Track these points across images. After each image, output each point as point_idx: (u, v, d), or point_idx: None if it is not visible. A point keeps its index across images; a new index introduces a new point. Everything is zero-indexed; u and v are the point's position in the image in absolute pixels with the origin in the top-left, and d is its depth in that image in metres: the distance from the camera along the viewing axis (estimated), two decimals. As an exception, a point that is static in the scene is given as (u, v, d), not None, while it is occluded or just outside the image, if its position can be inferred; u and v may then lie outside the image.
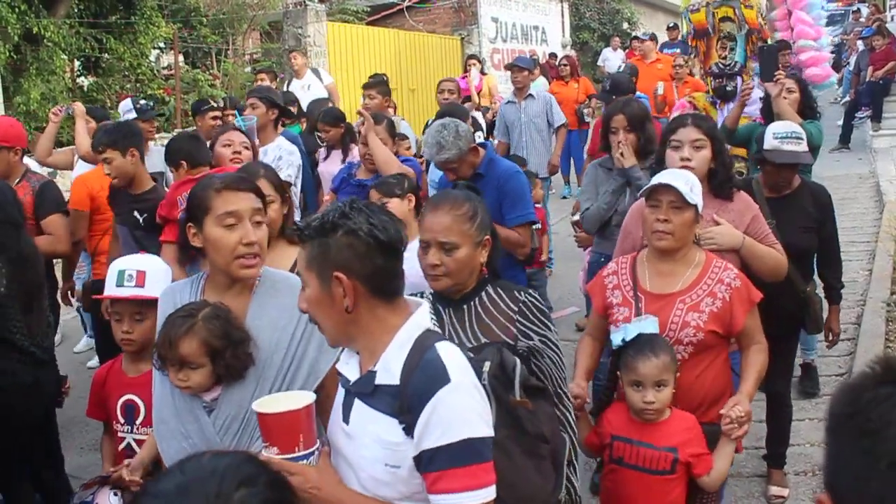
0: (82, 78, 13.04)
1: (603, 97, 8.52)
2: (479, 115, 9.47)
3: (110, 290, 3.18)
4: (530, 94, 8.70)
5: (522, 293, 2.70)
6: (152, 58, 13.91)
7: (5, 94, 9.94)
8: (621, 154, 4.47)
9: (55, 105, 10.06)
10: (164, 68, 14.87)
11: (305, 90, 9.95)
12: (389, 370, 1.95)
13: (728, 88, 6.31)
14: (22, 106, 10.09)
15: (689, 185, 3.06)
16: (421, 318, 2.01)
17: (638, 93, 8.79)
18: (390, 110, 7.81)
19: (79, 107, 6.61)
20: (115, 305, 3.20)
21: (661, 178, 3.12)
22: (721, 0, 7.45)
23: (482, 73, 12.98)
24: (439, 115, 6.03)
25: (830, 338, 4.52)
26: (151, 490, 1.16)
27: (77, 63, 12.70)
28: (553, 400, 2.56)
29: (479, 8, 17.85)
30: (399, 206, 4.22)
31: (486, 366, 2.32)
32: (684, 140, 3.64)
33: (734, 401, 2.95)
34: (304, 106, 8.42)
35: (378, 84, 7.22)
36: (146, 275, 3.16)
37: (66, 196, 5.26)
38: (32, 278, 3.56)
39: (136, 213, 4.62)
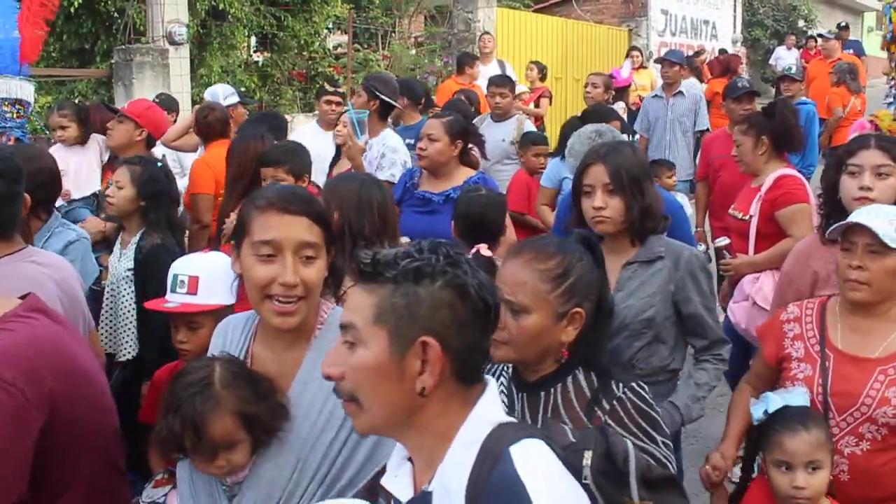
0: (257, 54, 13.45)
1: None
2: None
3: (167, 295, 2.88)
4: (680, 91, 8.25)
5: (623, 386, 2.05)
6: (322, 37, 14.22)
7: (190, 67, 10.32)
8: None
9: (234, 78, 10.44)
10: (331, 48, 15.18)
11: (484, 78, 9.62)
12: (450, 491, 1.41)
13: None
14: (204, 78, 10.47)
15: (893, 223, 2.49)
16: (489, 406, 1.48)
17: (804, 98, 8.21)
18: (518, 103, 7.62)
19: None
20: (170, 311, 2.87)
21: (856, 216, 2.56)
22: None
23: (641, 66, 12.47)
24: (583, 116, 5.63)
25: None
26: None
27: (253, 39, 13.11)
28: (684, 491, 1.91)
29: (650, -1, 17.35)
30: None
31: (587, 457, 1.67)
32: (865, 165, 3.03)
33: None
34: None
35: (507, 83, 6.99)
36: (200, 281, 2.81)
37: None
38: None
39: None
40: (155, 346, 3.42)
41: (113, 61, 9.57)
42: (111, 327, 3.68)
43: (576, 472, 1.52)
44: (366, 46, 14.39)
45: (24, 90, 5.64)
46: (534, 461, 1.40)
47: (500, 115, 6.77)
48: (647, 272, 2.91)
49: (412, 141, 6.00)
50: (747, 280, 4.19)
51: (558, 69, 14.69)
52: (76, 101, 7.48)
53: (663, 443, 2.04)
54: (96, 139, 5.22)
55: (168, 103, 6.57)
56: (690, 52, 16.70)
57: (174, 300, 2.82)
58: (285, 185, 2.55)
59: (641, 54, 12.98)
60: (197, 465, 1.93)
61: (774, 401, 2.51)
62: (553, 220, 5.25)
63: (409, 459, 1.53)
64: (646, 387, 2.10)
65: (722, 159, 5.70)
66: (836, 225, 2.66)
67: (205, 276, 2.83)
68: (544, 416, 2.06)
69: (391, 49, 14.27)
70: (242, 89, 8.91)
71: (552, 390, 2.07)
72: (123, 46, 9.49)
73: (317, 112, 7.15)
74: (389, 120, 5.84)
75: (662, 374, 2.99)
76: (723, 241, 4.37)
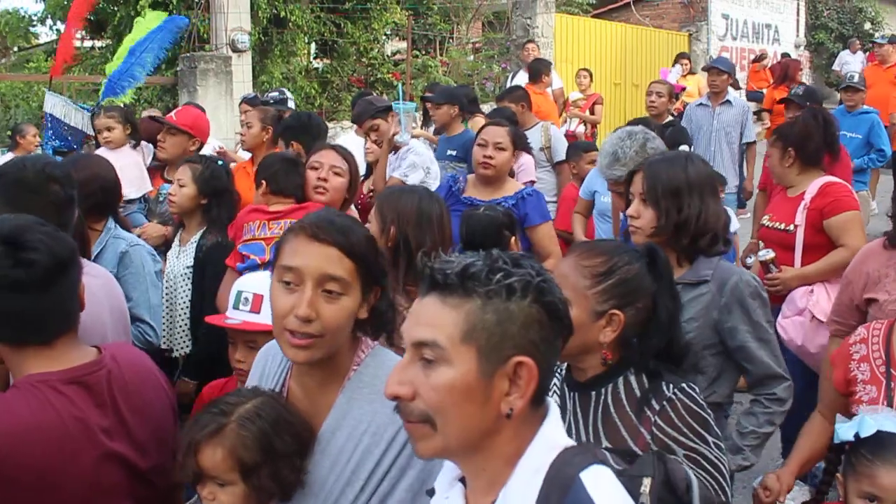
0: (317, 60, 13.60)
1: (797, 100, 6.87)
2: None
3: (229, 311, 2.79)
4: (727, 100, 7.88)
5: (673, 387, 2.02)
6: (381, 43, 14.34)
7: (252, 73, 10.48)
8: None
9: (295, 85, 10.57)
10: (389, 55, 15.30)
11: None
12: None
13: None
14: (266, 84, 10.63)
15: None
16: (553, 429, 1.40)
17: (865, 107, 7.97)
18: (575, 110, 7.40)
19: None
20: (230, 329, 2.78)
21: None
22: None
23: (689, 72, 12.14)
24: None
25: None
26: None
27: (313, 46, 13.27)
28: None
29: (710, 3, 17.11)
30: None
31: (646, 485, 1.57)
32: None
33: None
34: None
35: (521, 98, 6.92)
36: (264, 300, 2.64)
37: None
38: None
39: None
40: (212, 344, 3.33)
41: (178, 69, 9.77)
42: (168, 324, 3.72)
43: (633, 497, 1.44)
44: (424, 53, 14.47)
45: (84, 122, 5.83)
46: (606, 489, 1.35)
47: (522, 125, 6.72)
48: (689, 295, 2.66)
49: (455, 152, 6.07)
50: (799, 294, 3.94)
51: (617, 75, 14.60)
52: (140, 108, 7.66)
53: (714, 443, 2.01)
54: (143, 145, 5.20)
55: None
56: (752, 57, 16.51)
57: (236, 317, 2.73)
58: (328, 211, 2.35)
59: (690, 61, 12.61)
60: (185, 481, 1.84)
61: (868, 424, 2.23)
62: (581, 231, 5.24)
63: (461, 480, 1.45)
64: (696, 387, 2.08)
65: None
66: None
67: (269, 295, 2.75)
68: (595, 415, 2.06)
69: (449, 55, 14.32)
70: (303, 95, 8.99)
71: (602, 390, 2.07)
72: (188, 54, 9.69)
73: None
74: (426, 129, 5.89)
75: None
76: (767, 253, 4.07)
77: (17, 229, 1.83)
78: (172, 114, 5.02)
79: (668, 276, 2.15)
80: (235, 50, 9.85)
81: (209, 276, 3.64)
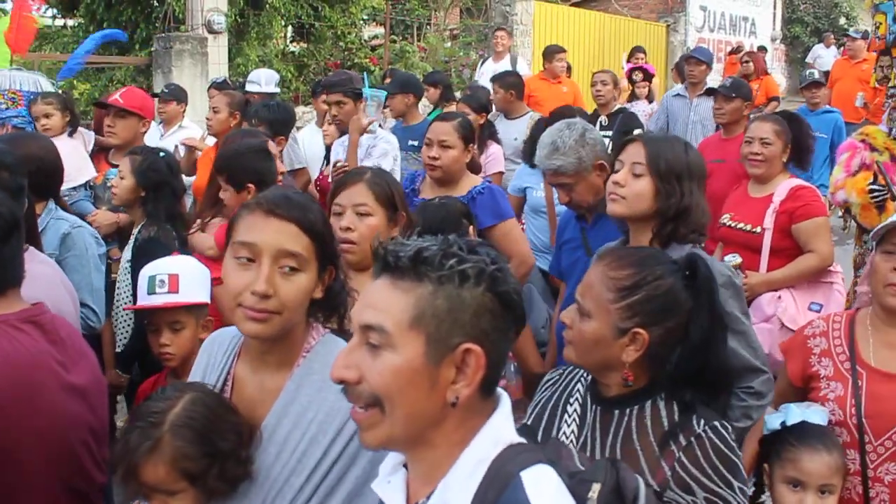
0: (294, 44, 13.47)
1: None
2: (639, 111, 8.44)
3: (142, 299, 2.80)
4: (706, 91, 7.59)
5: (704, 423, 1.86)
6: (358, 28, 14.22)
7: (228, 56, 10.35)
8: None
9: (271, 68, 10.44)
10: (366, 39, 15.19)
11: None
12: None
13: None
14: (241, 67, 10.50)
15: None
16: (502, 423, 1.36)
17: (827, 107, 7.96)
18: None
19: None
20: (150, 316, 2.79)
21: None
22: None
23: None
24: (552, 116, 5.06)
25: None
26: None
27: (290, 29, 13.14)
28: None
29: (689, -6, 17.17)
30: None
31: (594, 490, 1.48)
32: None
33: None
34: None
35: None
36: (180, 278, 2.77)
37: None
38: None
39: None
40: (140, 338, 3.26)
41: (152, 49, 9.63)
42: (114, 318, 3.61)
43: (579, 502, 1.39)
44: (401, 38, 14.37)
45: (26, 80, 5.61)
46: (546, 490, 1.29)
47: (509, 113, 6.63)
48: None
49: (416, 142, 5.74)
50: (766, 300, 3.80)
51: (595, 64, 14.58)
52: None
53: (740, 489, 1.85)
54: (82, 131, 4.98)
55: (178, 94, 6.39)
56: (729, 49, 16.58)
57: (156, 301, 2.73)
58: (285, 188, 2.31)
59: (645, 55, 12.14)
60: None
61: (795, 413, 2.32)
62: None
63: (405, 465, 1.42)
64: (729, 427, 1.91)
65: (712, 165, 5.36)
66: (880, 226, 2.43)
67: (184, 273, 2.78)
68: (615, 435, 1.92)
69: (427, 41, 14.23)
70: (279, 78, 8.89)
71: (627, 411, 1.93)
72: (163, 34, 9.54)
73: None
74: (385, 118, 5.69)
75: None
76: (734, 258, 3.86)
77: None
78: (117, 96, 4.75)
79: (709, 292, 1.94)
80: (211, 31, 9.71)
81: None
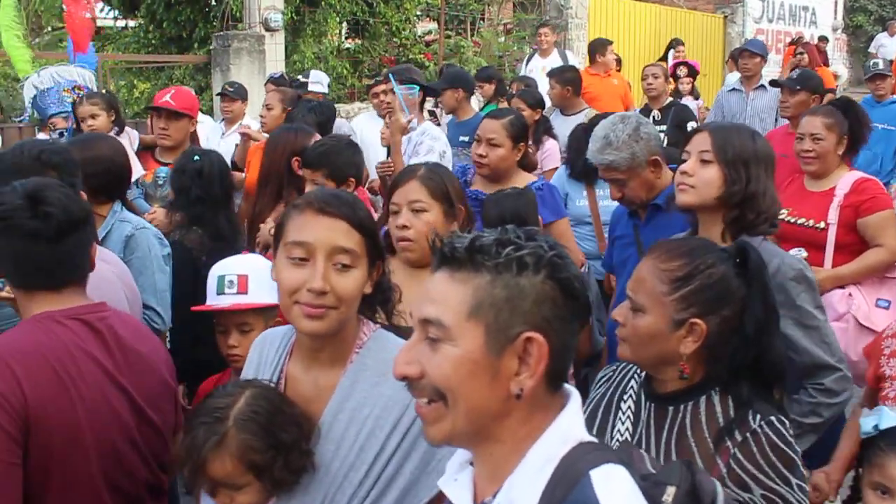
0: (348, 40, 13.56)
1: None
2: (692, 105, 8.24)
3: (210, 299, 2.77)
4: (762, 85, 7.43)
5: (760, 417, 1.83)
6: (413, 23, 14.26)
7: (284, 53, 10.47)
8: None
9: (327, 65, 10.53)
10: (420, 35, 15.22)
11: (542, 72, 8.76)
12: None
13: None
14: (298, 64, 10.62)
15: None
16: (571, 420, 1.32)
17: (894, 97, 7.70)
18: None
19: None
20: (219, 316, 2.76)
21: None
22: None
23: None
24: (590, 123, 4.90)
25: None
26: None
27: (344, 26, 13.23)
28: None
29: (746, -15, 16.85)
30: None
31: (669, 493, 1.44)
32: None
33: None
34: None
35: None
36: (249, 279, 2.71)
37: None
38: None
39: None
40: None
41: (211, 47, 9.78)
42: None
43: None
44: (455, 33, 14.36)
45: (84, 77, 5.73)
46: (616, 490, 1.25)
47: (565, 109, 6.57)
48: None
49: (466, 138, 5.75)
50: (837, 297, 3.66)
51: (650, 57, 14.40)
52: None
53: (798, 485, 1.82)
54: (127, 130, 5.04)
55: (242, 92, 6.49)
56: (788, 40, 16.24)
57: (224, 302, 2.70)
58: (329, 188, 2.38)
59: (684, 47, 11.87)
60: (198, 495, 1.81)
61: (888, 417, 2.20)
62: None
63: (472, 463, 1.39)
64: (786, 422, 1.88)
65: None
66: None
67: (254, 274, 2.72)
68: (669, 432, 1.90)
69: (480, 36, 14.21)
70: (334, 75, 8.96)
71: (682, 407, 1.91)
72: (221, 33, 9.69)
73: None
74: (442, 113, 5.68)
75: None
76: (800, 252, 3.70)
77: (39, 186, 2.04)
78: (168, 98, 4.73)
79: (761, 280, 1.93)
80: (268, 29, 9.83)
81: None
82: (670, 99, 7.30)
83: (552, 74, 6.86)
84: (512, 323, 1.26)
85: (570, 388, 1.36)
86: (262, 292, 2.64)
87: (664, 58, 10.72)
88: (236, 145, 5.50)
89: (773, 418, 1.84)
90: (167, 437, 2.17)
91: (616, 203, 3.51)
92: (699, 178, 2.55)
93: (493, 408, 1.28)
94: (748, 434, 1.81)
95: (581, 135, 4.48)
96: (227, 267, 2.78)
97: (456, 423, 1.29)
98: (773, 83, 6.58)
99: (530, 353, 1.26)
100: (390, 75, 5.29)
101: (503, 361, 1.27)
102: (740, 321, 1.89)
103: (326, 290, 1.69)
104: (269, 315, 2.77)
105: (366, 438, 1.73)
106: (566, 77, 6.68)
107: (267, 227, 3.57)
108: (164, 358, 2.24)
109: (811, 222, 3.83)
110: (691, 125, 6.38)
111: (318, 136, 3.72)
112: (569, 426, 1.31)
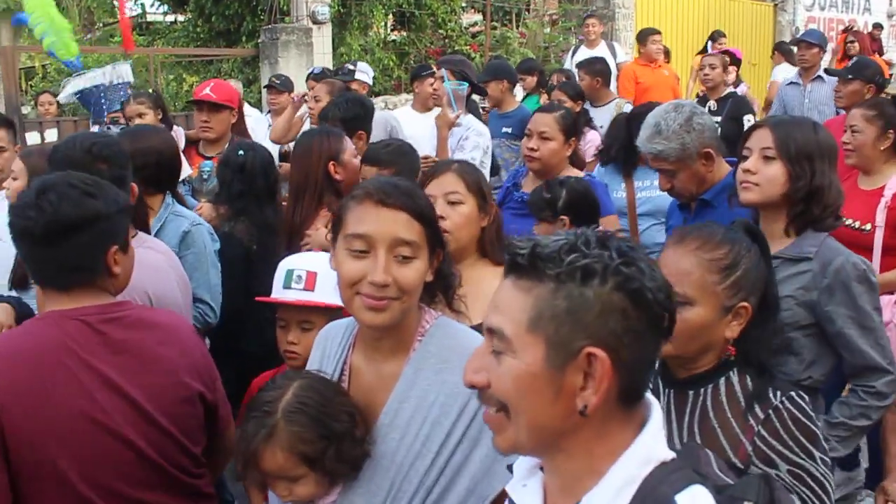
0: (394, 32, 13.59)
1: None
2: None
3: (276, 291, 2.70)
4: (819, 76, 7.32)
5: (780, 394, 1.86)
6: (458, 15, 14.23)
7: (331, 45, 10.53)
8: None
9: (373, 57, 10.57)
10: (466, 26, 15.20)
11: None
12: None
13: None
14: (344, 57, 10.66)
15: None
16: (653, 439, 1.25)
17: None
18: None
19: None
20: (281, 311, 2.70)
21: None
22: None
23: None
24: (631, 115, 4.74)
25: None
26: None
27: (390, 18, 13.25)
28: None
29: (798, -28, 16.51)
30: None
31: None
32: None
33: None
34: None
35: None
36: (317, 277, 2.63)
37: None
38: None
39: None
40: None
41: (259, 41, 9.86)
42: None
43: None
44: (501, 24, 14.31)
45: (125, 72, 5.83)
46: None
47: (595, 101, 6.54)
48: (788, 271, 2.46)
49: (510, 129, 5.80)
50: (884, 302, 3.40)
51: (699, 48, 14.21)
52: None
53: (821, 459, 1.84)
54: (175, 129, 4.99)
55: (289, 85, 6.50)
56: (841, 28, 15.89)
57: (289, 297, 2.64)
58: (387, 177, 2.29)
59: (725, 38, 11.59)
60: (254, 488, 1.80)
61: None
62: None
63: (542, 468, 1.34)
64: (806, 396, 1.89)
65: None
66: None
67: (323, 272, 2.61)
68: (692, 415, 1.91)
69: (526, 27, 14.13)
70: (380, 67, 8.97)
71: (702, 390, 1.93)
72: (270, 26, 9.77)
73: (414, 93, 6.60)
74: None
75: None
76: None
77: (46, 185, 2.00)
78: (208, 91, 4.72)
79: (769, 254, 2.04)
80: (315, 22, 9.90)
81: None
82: (729, 89, 7.16)
83: (581, 66, 6.85)
84: (574, 337, 1.18)
85: (650, 400, 1.29)
86: (329, 292, 2.54)
87: (703, 50, 10.52)
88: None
89: (792, 394, 1.87)
90: (184, 439, 2.12)
91: (658, 194, 3.46)
92: (763, 176, 2.53)
93: (556, 423, 1.22)
94: (770, 411, 1.84)
95: (623, 123, 4.42)
96: (298, 262, 2.71)
97: (518, 436, 1.24)
98: (828, 72, 6.45)
99: (594, 369, 1.19)
100: (442, 67, 5.30)
101: (567, 376, 1.20)
102: (764, 295, 1.96)
103: (388, 282, 1.67)
104: (333, 316, 2.66)
105: (431, 427, 1.71)
106: (595, 69, 6.67)
107: (322, 233, 3.55)
108: (190, 361, 2.18)
109: (857, 223, 3.69)
110: (748, 118, 6.27)
111: (348, 139, 3.70)
112: (650, 447, 1.24)
